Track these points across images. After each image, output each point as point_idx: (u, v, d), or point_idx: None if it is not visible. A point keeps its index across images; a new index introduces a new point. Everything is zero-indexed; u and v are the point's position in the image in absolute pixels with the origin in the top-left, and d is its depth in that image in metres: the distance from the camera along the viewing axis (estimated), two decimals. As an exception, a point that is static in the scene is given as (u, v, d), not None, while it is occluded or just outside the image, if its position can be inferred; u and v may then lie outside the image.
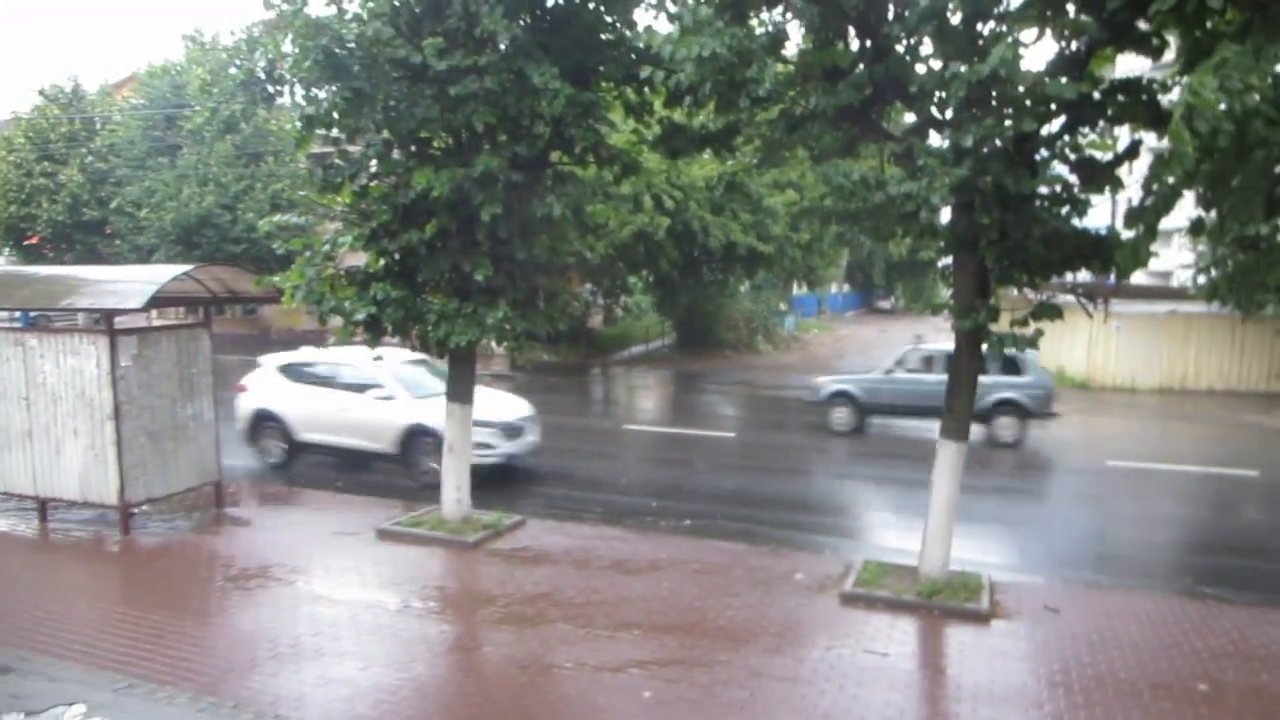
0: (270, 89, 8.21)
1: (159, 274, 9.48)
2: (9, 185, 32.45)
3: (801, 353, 31.77)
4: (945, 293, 8.06)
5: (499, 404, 12.17)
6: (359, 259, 9.01)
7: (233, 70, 8.74)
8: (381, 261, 8.73)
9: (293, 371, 12.76)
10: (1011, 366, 14.42)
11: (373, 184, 8.75)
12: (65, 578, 8.28)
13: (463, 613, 7.30)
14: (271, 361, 13.04)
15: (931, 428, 9.51)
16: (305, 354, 13.24)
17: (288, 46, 7.90)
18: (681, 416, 19.25)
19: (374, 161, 8.61)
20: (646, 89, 8.46)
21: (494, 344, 9.24)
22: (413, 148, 8.64)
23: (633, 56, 8.48)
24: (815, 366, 26.22)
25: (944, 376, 16.69)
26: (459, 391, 9.34)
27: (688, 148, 9.02)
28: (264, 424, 12.61)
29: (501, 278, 8.57)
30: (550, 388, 21.94)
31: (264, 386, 12.78)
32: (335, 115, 8.22)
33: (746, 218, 24.82)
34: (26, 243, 33.54)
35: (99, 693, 5.43)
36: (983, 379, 16.71)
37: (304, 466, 12.57)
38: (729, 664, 6.25)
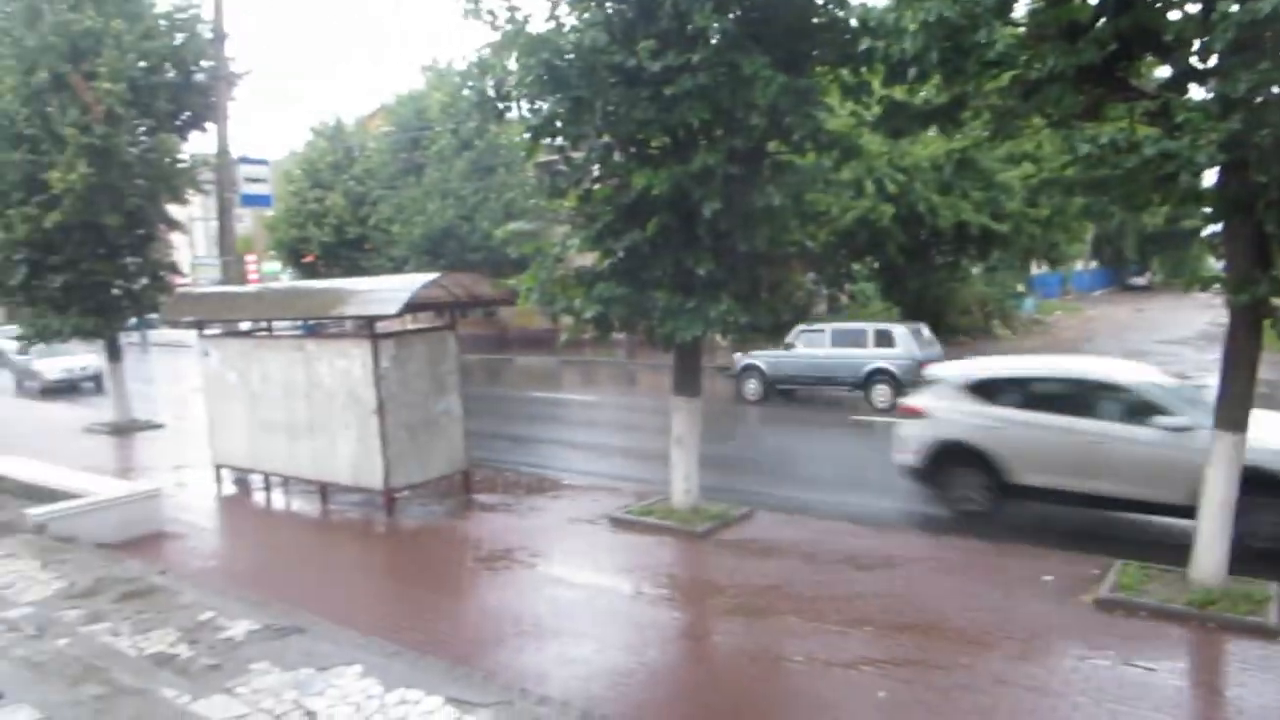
0: (500, 106, 8.77)
1: (411, 282, 10.37)
2: (290, 212, 36.62)
3: (1044, 337, 29.62)
4: (1215, 264, 7.20)
5: None
6: (587, 259, 9.41)
7: (465, 92, 9.43)
8: (607, 261, 9.07)
9: (993, 389, 9.63)
10: (885, 340, 17.38)
11: (596, 187, 9.11)
12: (342, 553, 9.28)
13: (693, 601, 7.46)
14: (950, 374, 10.21)
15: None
16: (1009, 364, 10.57)
17: (512, 64, 8.41)
18: (911, 407, 18.51)
19: (597, 165, 8.98)
20: (864, 68, 8.23)
21: (718, 337, 9.35)
22: (632, 149, 8.91)
23: (847, 36, 8.27)
24: (1059, 351, 24.41)
25: (834, 351, 17.80)
26: (685, 385, 9.54)
27: (910, 126, 8.67)
28: (955, 460, 9.53)
29: (723, 271, 8.64)
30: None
31: (948, 409, 9.75)
32: (559, 124, 8.66)
33: (978, 195, 23.49)
34: (303, 261, 37.70)
35: (371, 656, 6.04)
36: (859, 352, 18.08)
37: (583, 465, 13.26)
38: (970, 668, 5.97)
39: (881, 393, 17.03)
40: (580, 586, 7.73)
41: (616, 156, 8.94)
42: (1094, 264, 53.42)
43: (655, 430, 14.72)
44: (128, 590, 7.48)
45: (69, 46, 15.27)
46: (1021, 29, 6.91)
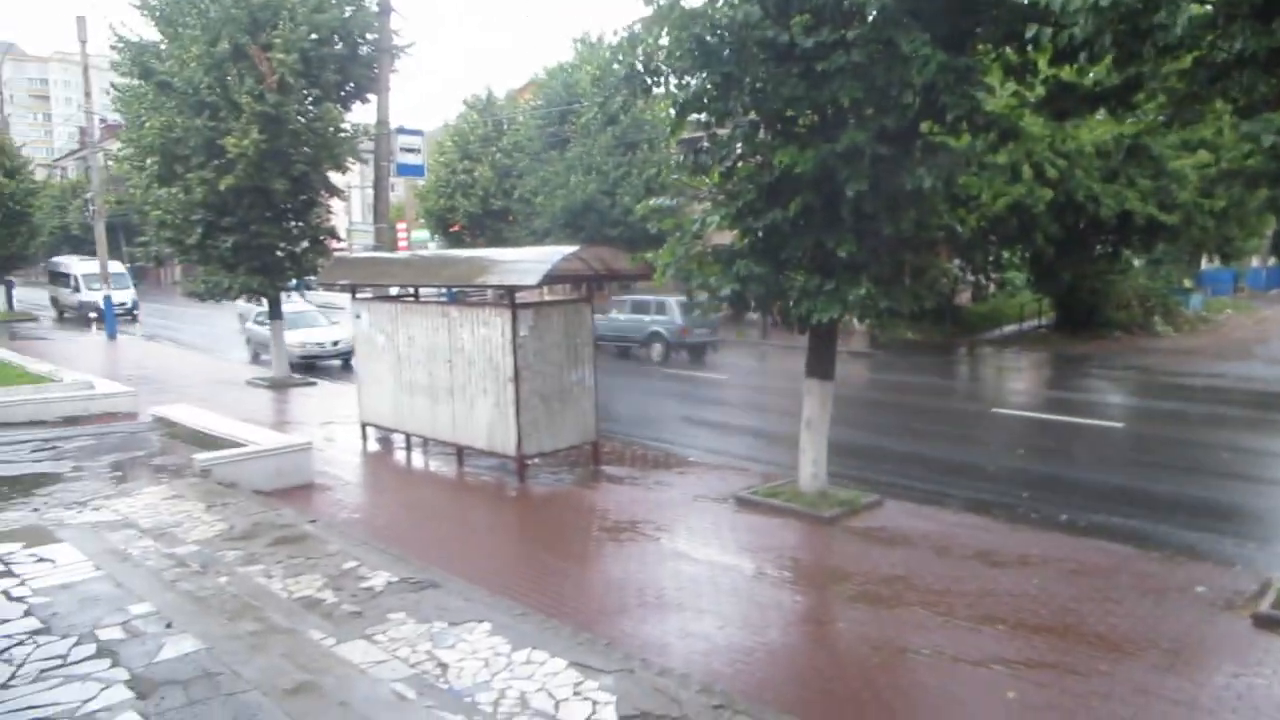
0: (647, 80, 8.77)
1: (551, 254, 10.58)
2: (439, 182, 37.98)
3: (1210, 336, 27.54)
4: None
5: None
6: (725, 237, 9.36)
7: (615, 66, 9.47)
8: (746, 239, 8.99)
9: None
10: (661, 309, 22.54)
11: (740, 164, 9.02)
12: (476, 514, 9.63)
13: (816, 586, 7.37)
14: None
15: None
16: None
17: (663, 39, 8.40)
18: (1059, 402, 17.64)
19: (741, 143, 8.88)
20: (1030, 47, 7.81)
21: (855, 321, 9.15)
22: (778, 126, 8.76)
23: (1013, 14, 7.85)
24: (1227, 352, 22.67)
25: (631, 316, 23.11)
26: (819, 368, 9.39)
27: (1078, 109, 8.20)
28: None
29: (865, 254, 8.43)
30: (912, 367, 21.22)
31: None
32: (705, 100, 8.60)
33: (1145, 184, 21.98)
34: (450, 230, 39.08)
35: (499, 615, 6.26)
36: (642, 316, 23.13)
37: (679, 437, 13.34)
38: (1109, 676, 5.67)
39: (656, 350, 22.59)
40: (703, 563, 7.77)
41: (762, 134, 8.82)
42: (1273, 261, 49.17)
43: (784, 412, 14.60)
44: (280, 536, 8.00)
45: (249, 18, 16.26)
46: (1209, 7, 6.38)
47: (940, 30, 7.74)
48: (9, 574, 5.55)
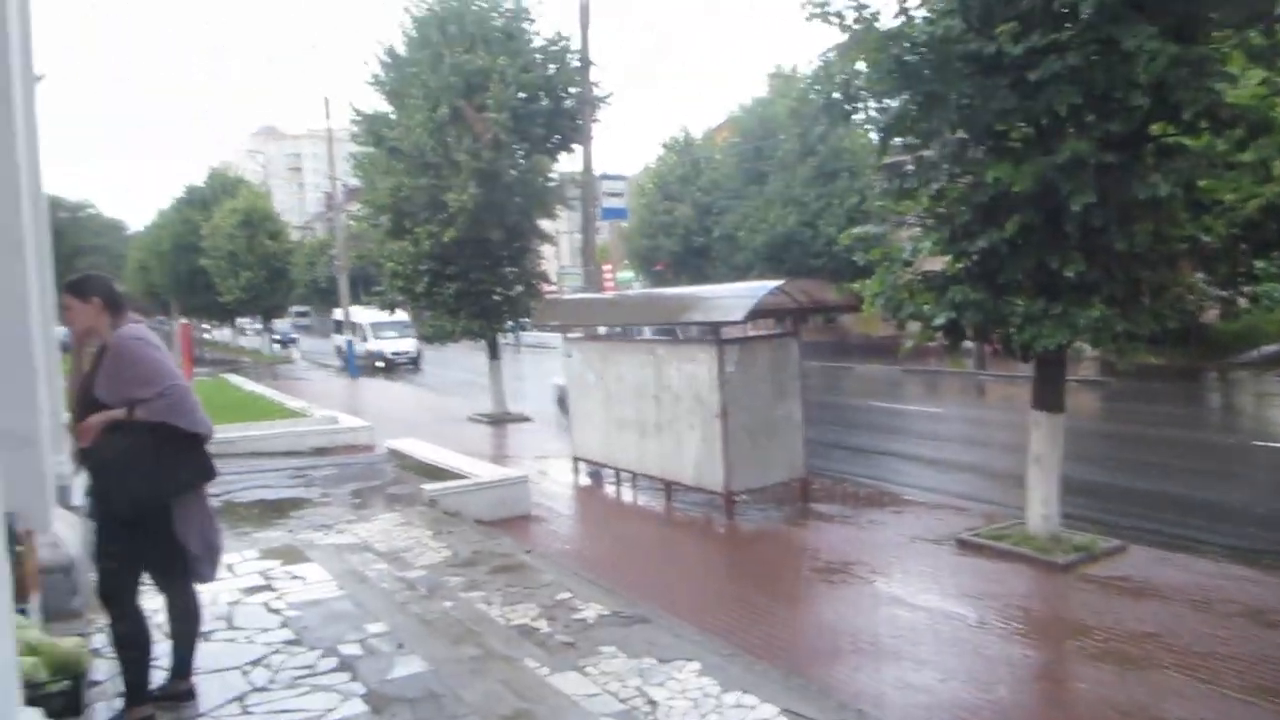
0: (847, 107, 8.57)
1: (755, 289, 10.51)
2: (642, 224, 39.09)
3: None
4: None
5: None
6: (937, 263, 8.94)
7: (812, 97, 9.35)
8: (960, 264, 8.54)
9: None
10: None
11: (949, 186, 8.61)
12: (684, 550, 9.63)
13: (1051, 640, 6.76)
14: None
15: None
16: None
17: (860, 64, 8.19)
18: (1337, 438, 15.46)
19: (949, 163, 8.48)
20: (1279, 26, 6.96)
21: (1086, 347, 8.45)
22: (989, 142, 8.29)
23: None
24: None
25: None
26: (1047, 399, 8.72)
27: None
28: None
29: (1096, 272, 7.76)
30: (1155, 395, 19.35)
31: None
32: (909, 122, 8.29)
33: None
34: (654, 269, 40.01)
35: (708, 654, 6.17)
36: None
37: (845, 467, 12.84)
38: None
39: None
40: (922, 609, 7.33)
41: (971, 152, 8.39)
42: None
43: (1004, 447, 13.70)
44: (499, 564, 8.33)
45: (464, 84, 17.53)
46: None
47: (1167, 20, 7.05)
48: (269, 588, 6.10)
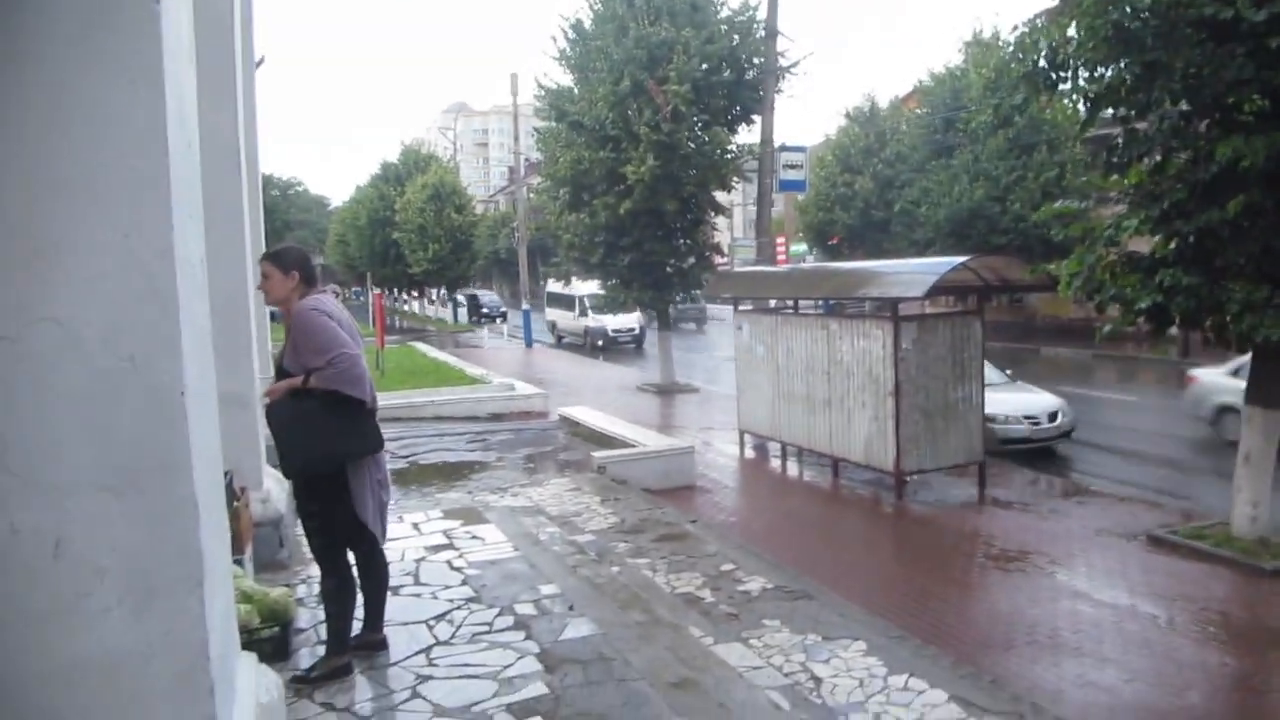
0: (1052, 76, 8.07)
1: (938, 265, 10.16)
2: (818, 196, 38.25)
3: None
4: None
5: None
6: (1142, 244, 8.32)
7: (1013, 66, 8.84)
8: (1172, 244, 7.91)
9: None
10: None
11: (1165, 160, 7.97)
12: (850, 528, 9.51)
13: (1252, 647, 6.24)
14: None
15: None
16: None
17: (1071, 30, 7.68)
18: None
19: (1168, 137, 7.84)
20: None
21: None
22: (1216, 115, 7.60)
23: None
24: None
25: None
26: (1263, 394, 7.99)
27: None
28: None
29: (1330, 258, 7.02)
30: None
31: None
32: (1123, 93, 7.72)
33: None
34: (829, 243, 39.17)
35: (875, 635, 6.09)
36: None
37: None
38: None
39: None
40: (1106, 606, 6.93)
41: (1195, 125, 7.71)
42: None
43: (1205, 442, 12.67)
44: (665, 533, 8.51)
45: (647, 56, 17.67)
46: None
47: None
48: (451, 547, 6.52)
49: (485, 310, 47.16)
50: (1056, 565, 7.89)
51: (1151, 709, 5.33)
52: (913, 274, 10.07)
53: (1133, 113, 7.94)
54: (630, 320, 29.95)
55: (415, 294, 56.55)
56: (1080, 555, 8.19)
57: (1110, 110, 8.00)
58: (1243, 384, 8.85)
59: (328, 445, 4.34)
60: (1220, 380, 12.23)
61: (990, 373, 11.63)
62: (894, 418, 9.99)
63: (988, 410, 10.79)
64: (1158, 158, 7.98)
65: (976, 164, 29.55)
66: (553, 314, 35.76)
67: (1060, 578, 7.59)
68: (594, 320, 31.12)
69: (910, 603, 7.07)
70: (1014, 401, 12.56)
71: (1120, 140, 8.16)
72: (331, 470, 4.41)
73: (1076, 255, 8.42)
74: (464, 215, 45.18)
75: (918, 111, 35.88)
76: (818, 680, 5.39)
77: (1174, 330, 8.65)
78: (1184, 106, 7.64)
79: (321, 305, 4.43)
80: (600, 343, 30.39)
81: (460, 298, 49.68)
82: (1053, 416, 12.48)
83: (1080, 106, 8.05)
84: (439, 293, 52.17)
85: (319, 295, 4.55)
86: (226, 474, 3.90)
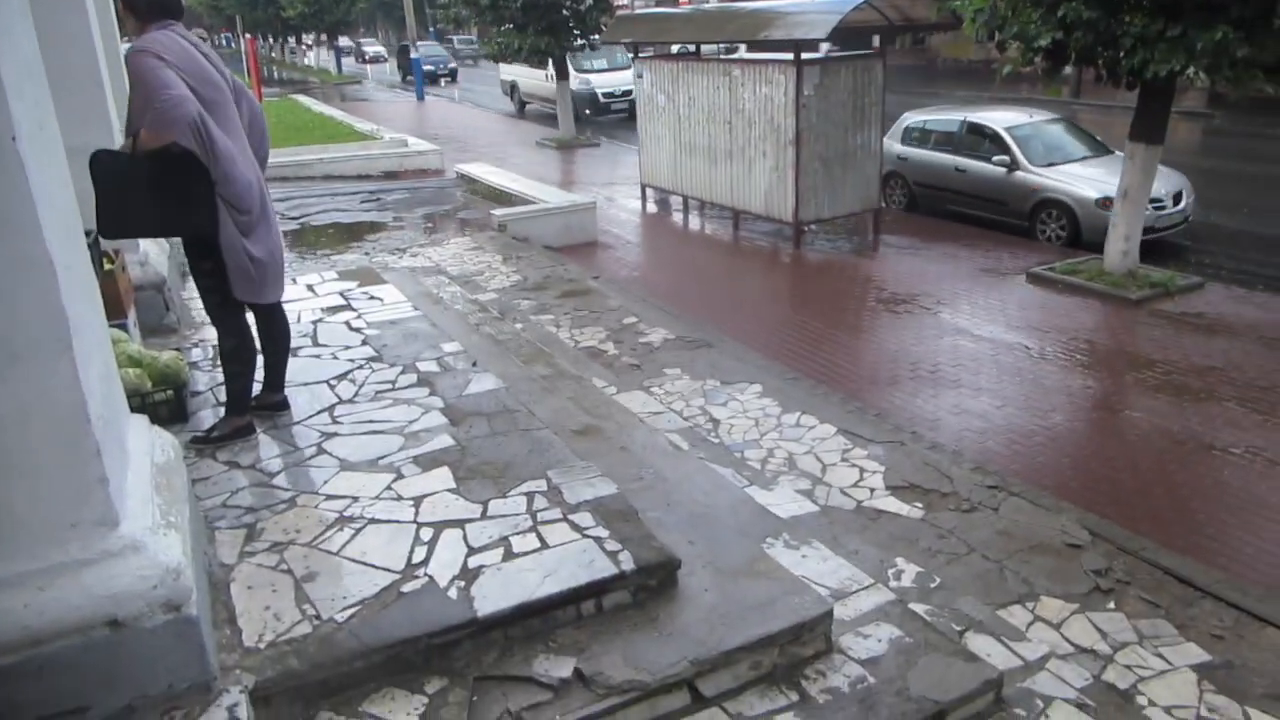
0: None
1: (841, 3, 9.70)
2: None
3: None
4: None
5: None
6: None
7: None
8: (1075, -23, 7.70)
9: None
10: None
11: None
12: (750, 279, 9.70)
13: (1112, 371, 6.80)
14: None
15: None
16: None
17: None
18: None
19: None
20: None
21: (1199, 76, 7.77)
22: None
23: None
24: None
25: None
26: (1147, 130, 8.17)
27: None
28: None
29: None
30: (1257, 131, 17.99)
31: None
32: None
33: None
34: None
35: (770, 378, 6.39)
36: None
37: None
38: None
39: None
40: (985, 340, 7.38)
41: None
42: None
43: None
44: (567, 289, 8.54)
45: None
46: None
47: None
48: (349, 308, 6.39)
49: (431, 68, 35.95)
50: (942, 305, 8.28)
51: (1019, 430, 5.82)
52: (817, 14, 9.64)
53: None
54: (623, 79, 22.17)
55: (302, 44, 51.78)
56: (964, 294, 8.59)
57: None
58: None
59: (147, 211, 3.80)
60: None
61: (1079, 145, 10.92)
62: (794, 167, 9.95)
63: (1093, 194, 9.77)
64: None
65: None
66: (512, 73, 25.38)
67: (944, 316, 8.00)
68: (579, 81, 22.49)
69: (805, 347, 7.38)
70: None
71: None
72: (182, 236, 4.08)
73: (984, -11, 8.16)
74: (340, -48, 40.85)
75: None
76: (715, 421, 5.67)
77: (1068, 70, 8.63)
78: None
79: (151, 46, 3.67)
80: (588, 112, 22.86)
81: (371, 51, 45.31)
82: (1177, 199, 10.06)
83: None
84: (316, 40, 48.07)
85: (157, 33, 3.77)
86: (89, 233, 3.55)
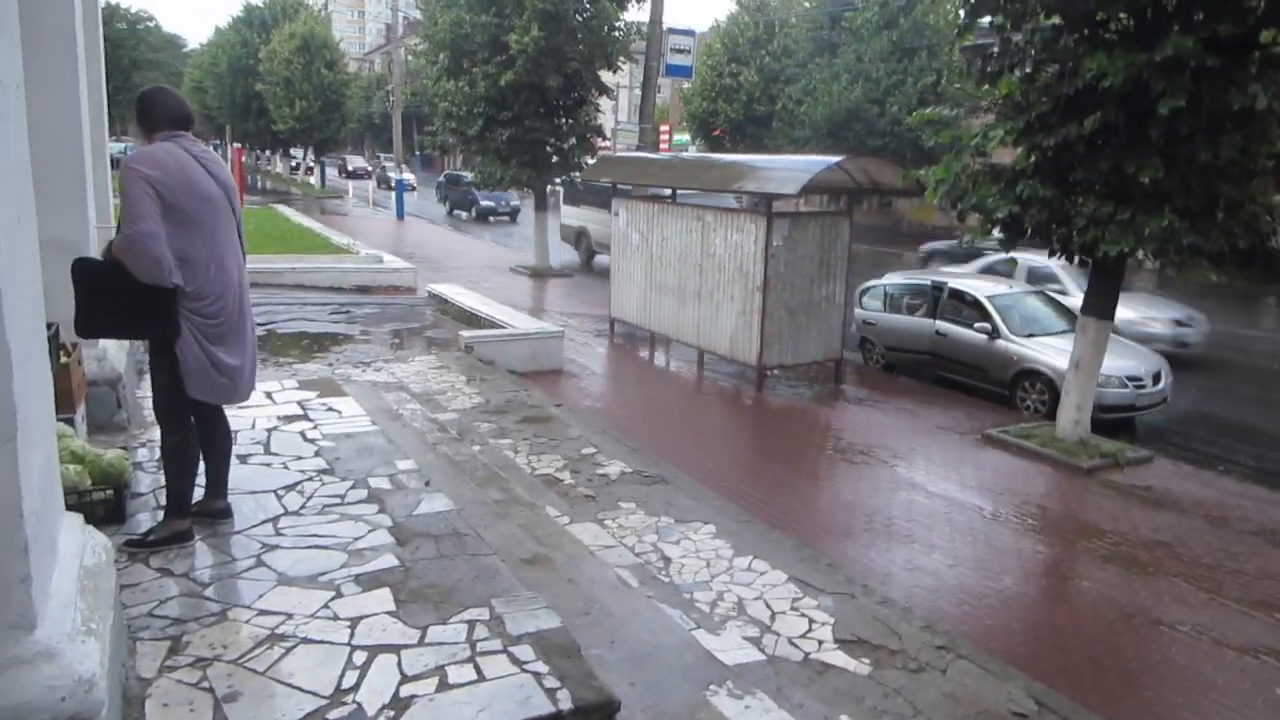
0: None
1: (813, 164, 10.24)
2: (704, 85, 37.72)
3: None
4: None
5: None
6: (1006, 157, 8.59)
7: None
8: (1032, 158, 8.20)
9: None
10: None
11: (1034, 73, 8.17)
12: (711, 418, 9.78)
13: (1064, 539, 6.85)
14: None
15: None
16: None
17: None
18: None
19: (1038, 49, 8.02)
20: None
21: (1148, 259, 8.21)
22: (1085, 31, 7.81)
23: None
24: None
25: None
26: (1098, 306, 8.53)
27: None
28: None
29: (1172, 181, 7.42)
30: (1207, 314, 18.85)
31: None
32: (1001, 1, 7.81)
33: None
34: (712, 134, 38.94)
35: (725, 519, 6.35)
36: None
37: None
38: None
39: None
40: (939, 497, 7.44)
41: (1063, 40, 7.90)
42: None
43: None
44: (529, 415, 8.53)
45: (535, -83, 16.67)
46: None
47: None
48: (306, 418, 6.32)
49: (491, 204, 33.34)
50: (898, 459, 8.37)
51: (969, 590, 5.80)
52: (789, 170, 10.14)
53: (1009, 22, 8.07)
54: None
55: (289, 156, 52.83)
56: (921, 450, 8.70)
57: (989, 19, 8.10)
58: None
59: (114, 318, 3.94)
60: None
61: (1057, 318, 11.06)
62: (760, 312, 10.21)
63: None
64: (1028, 69, 8.16)
65: (859, 64, 29.72)
66: (580, 218, 22.18)
67: (900, 470, 8.07)
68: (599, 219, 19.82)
69: (761, 490, 7.38)
70: (1109, 360, 9.23)
71: (995, 50, 8.30)
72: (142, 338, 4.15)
73: (945, 162, 8.64)
74: (335, 72, 42.43)
75: (806, 4, 35.60)
76: (667, 560, 5.59)
77: (1027, 241, 9.09)
78: (1056, 20, 7.80)
79: (143, 162, 3.80)
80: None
81: (425, 176, 42.34)
82: (1156, 378, 10.15)
83: (960, 11, 8.11)
84: (305, 155, 49.21)
85: (159, 145, 3.93)
86: (51, 325, 3.55)
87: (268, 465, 5.32)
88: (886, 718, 4.09)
